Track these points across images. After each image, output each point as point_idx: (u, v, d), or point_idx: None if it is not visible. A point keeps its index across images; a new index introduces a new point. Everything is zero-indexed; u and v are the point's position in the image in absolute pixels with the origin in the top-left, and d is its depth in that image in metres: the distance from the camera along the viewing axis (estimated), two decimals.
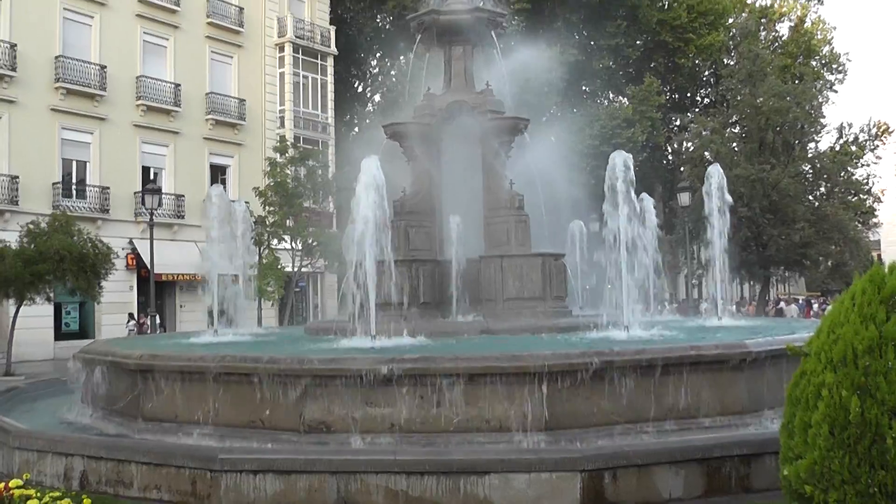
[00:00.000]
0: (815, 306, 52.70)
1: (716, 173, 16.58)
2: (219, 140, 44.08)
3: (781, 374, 10.60)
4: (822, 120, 48.84)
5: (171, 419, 10.77)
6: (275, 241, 37.39)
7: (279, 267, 36.35)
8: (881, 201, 56.32)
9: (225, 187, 42.47)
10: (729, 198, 16.86)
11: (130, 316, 37.37)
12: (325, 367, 9.89)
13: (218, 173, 44.22)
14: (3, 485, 7.39)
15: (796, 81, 50.49)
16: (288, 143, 41.07)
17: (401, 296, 14.25)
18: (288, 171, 38.01)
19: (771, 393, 10.44)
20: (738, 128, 50.68)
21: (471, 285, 15.71)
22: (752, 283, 64.65)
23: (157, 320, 35.77)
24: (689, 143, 53.68)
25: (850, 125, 48.66)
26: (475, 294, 15.80)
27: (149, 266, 33.43)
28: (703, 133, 47.10)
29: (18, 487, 7.33)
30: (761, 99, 44.06)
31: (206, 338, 15.23)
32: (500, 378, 9.48)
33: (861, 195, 48.91)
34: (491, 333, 13.77)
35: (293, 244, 38.06)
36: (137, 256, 38.64)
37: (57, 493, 7.84)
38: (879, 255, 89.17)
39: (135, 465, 9.29)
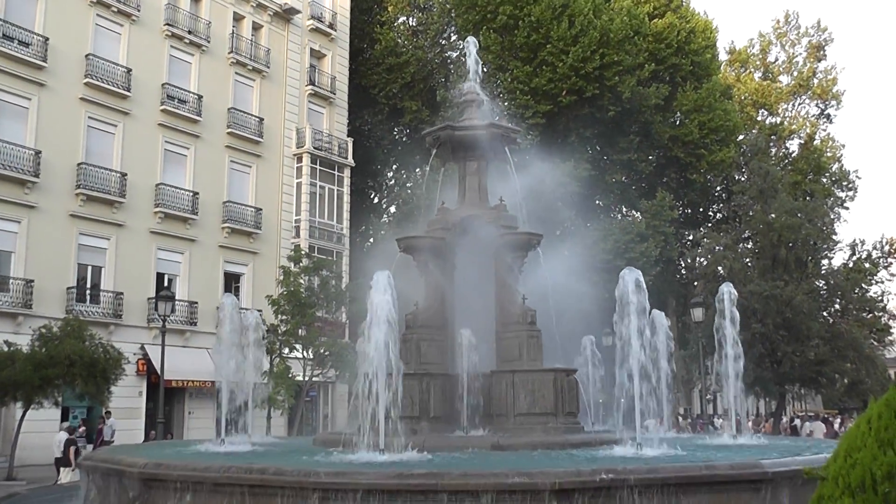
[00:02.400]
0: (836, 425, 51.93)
1: (727, 292, 16.53)
2: (234, 248, 44.44)
3: (798, 495, 10.40)
4: (834, 237, 48.96)
5: None
6: (286, 350, 37.27)
7: (290, 376, 36.14)
8: None
9: (238, 295, 42.68)
10: (737, 314, 16.75)
11: (70, 430, 28.25)
12: (332, 480, 9.71)
13: (232, 281, 44.43)
14: None
15: (807, 198, 50.87)
16: (302, 252, 41.32)
17: (411, 409, 14.14)
18: (301, 281, 38.11)
19: None
20: (750, 243, 50.84)
21: (482, 400, 15.58)
22: (767, 399, 63.84)
23: (114, 426, 33.59)
24: (702, 259, 53.80)
25: (863, 242, 48.75)
26: (486, 409, 15.67)
27: (159, 372, 33.30)
28: (716, 249, 47.25)
29: None
30: (773, 215, 44.31)
31: (213, 447, 15.07)
32: (510, 494, 9.29)
33: (876, 312, 48.60)
34: (502, 449, 13.56)
35: (305, 353, 37.92)
36: (148, 362, 38.56)
37: None
38: None
39: None
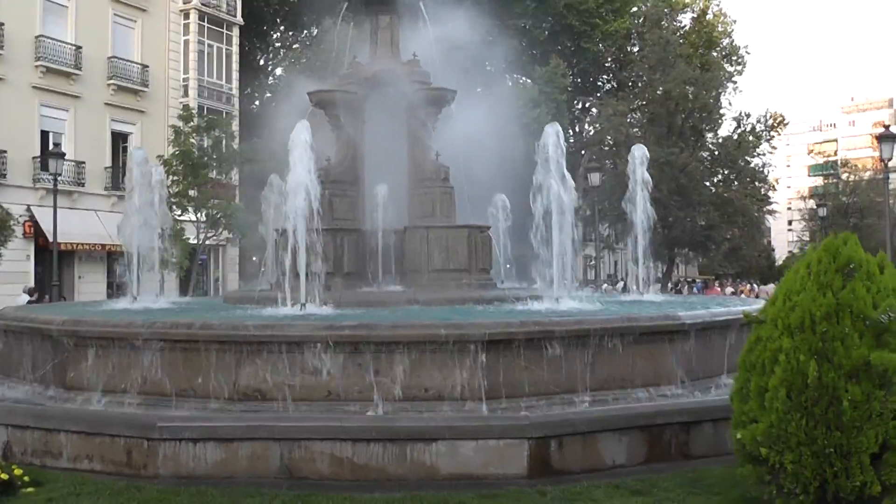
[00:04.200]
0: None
1: (638, 155, 16.78)
2: (121, 106, 42.61)
3: (712, 345, 10.90)
4: (723, 110, 50.15)
5: (97, 388, 10.31)
6: (178, 212, 36.44)
7: (184, 238, 35.47)
8: (775, 190, 58.17)
9: (126, 155, 41.19)
10: (647, 177, 17.09)
11: (30, 292, 29.75)
12: (261, 333, 9.66)
13: (120, 140, 42.81)
14: None
15: (698, 71, 51.65)
16: (192, 111, 40.06)
17: (325, 265, 14.05)
18: (193, 141, 37.08)
19: (701, 364, 10.67)
20: (639, 113, 51.54)
21: (395, 256, 15.60)
22: (655, 263, 65.98)
23: None
24: (591, 128, 54.41)
25: (748, 115, 50.08)
26: (400, 265, 15.72)
27: (51, 235, 32.11)
28: (611, 116, 47.76)
29: None
30: (670, 84, 44.87)
31: (124, 305, 14.76)
32: (440, 346, 9.41)
33: (757, 182, 50.40)
34: (418, 304, 13.63)
35: (197, 216, 37.21)
36: (35, 224, 37.08)
37: None
38: (769, 242, 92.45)
39: (64, 435, 8.85)
